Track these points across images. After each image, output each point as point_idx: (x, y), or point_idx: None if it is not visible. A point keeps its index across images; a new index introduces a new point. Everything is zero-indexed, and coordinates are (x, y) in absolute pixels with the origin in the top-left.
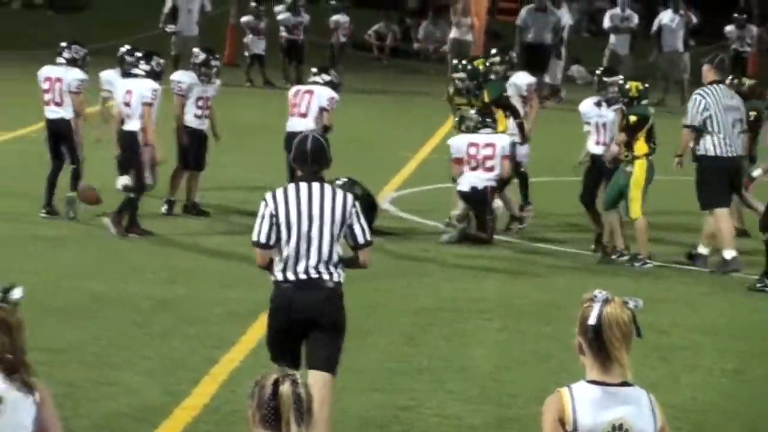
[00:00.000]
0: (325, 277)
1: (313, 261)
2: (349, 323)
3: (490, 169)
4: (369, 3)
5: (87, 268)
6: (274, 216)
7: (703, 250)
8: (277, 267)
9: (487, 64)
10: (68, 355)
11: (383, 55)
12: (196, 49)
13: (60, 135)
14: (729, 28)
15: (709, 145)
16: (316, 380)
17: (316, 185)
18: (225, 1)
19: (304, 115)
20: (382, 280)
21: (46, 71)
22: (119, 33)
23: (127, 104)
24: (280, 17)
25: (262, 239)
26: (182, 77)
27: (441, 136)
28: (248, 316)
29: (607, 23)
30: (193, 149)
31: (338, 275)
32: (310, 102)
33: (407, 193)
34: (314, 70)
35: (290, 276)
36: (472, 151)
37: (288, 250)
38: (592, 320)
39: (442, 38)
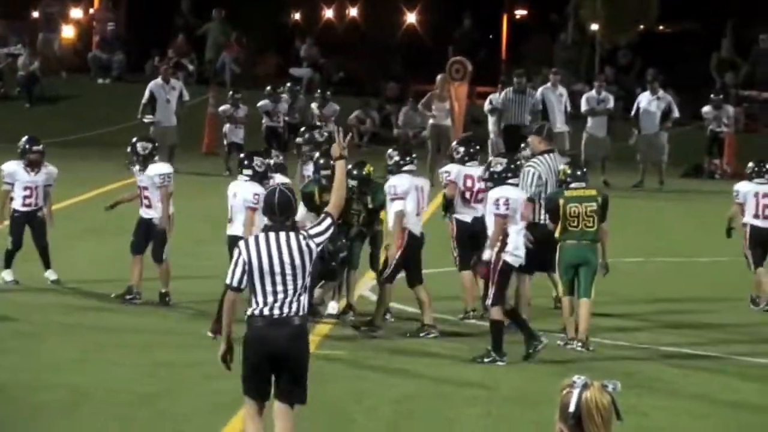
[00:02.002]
0: (292, 315)
1: (281, 302)
2: (334, 411)
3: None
4: (349, 90)
5: (66, 362)
6: (247, 263)
7: None
8: (251, 306)
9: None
10: None
11: (362, 141)
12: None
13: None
14: (706, 109)
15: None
16: (280, 411)
17: (283, 234)
18: (203, 91)
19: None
20: (366, 368)
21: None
22: (100, 124)
23: (233, 207)
24: (258, 104)
25: (235, 283)
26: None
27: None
28: (232, 407)
29: (584, 106)
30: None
31: (304, 313)
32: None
33: None
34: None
35: (263, 313)
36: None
37: (260, 292)
38: (572, 407)
39: (421, 124)
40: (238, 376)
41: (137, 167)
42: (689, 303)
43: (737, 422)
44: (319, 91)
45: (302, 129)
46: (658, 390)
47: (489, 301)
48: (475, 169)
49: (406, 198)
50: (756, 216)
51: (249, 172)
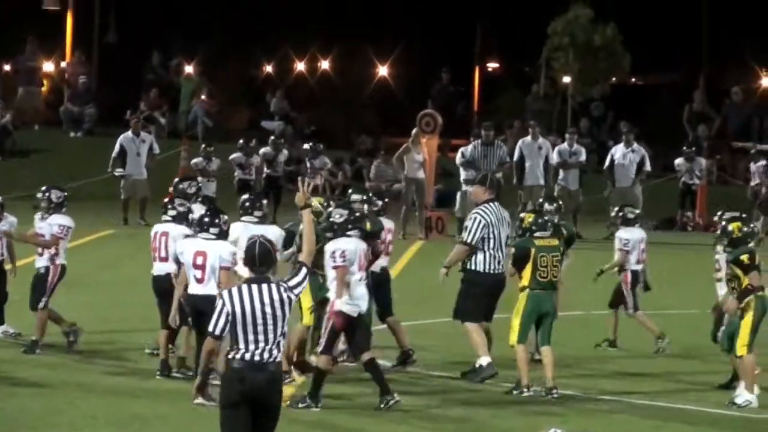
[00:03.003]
0: (270, 361)
1: (260, 349)
2: None
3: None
4: (320, 143)
5: (39, 417)
6: (230, 313)
7: None
8: (232, 351)
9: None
10: None
11: (334, 194)
12: None
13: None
14: (678, 161)
15: (480, 261)
16: None
17: (264, 286)
18: (175, 144)
19: (164, 260)
20: (339, 420)
21: None
22: (72, 177)
23: (199, 267)
24: (231, 157)
25: (217, 331)
26: None
27: (395, 274)
28: None
29: (555, 158)
30: None
31: (279, 360)
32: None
33: None
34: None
35: (243, 357)
36: None
37: (242, 340)
38: None
39: (394, 176)
40: (208, 428)
41: (41, 214)
42: (661, 355)
43: None
44: (311, 143)
45: (176, 180)
46: None
47: (318, 349)
48: (387, 222)
49: (237, 246)
50: (637, 262)
51: (216, 230)
